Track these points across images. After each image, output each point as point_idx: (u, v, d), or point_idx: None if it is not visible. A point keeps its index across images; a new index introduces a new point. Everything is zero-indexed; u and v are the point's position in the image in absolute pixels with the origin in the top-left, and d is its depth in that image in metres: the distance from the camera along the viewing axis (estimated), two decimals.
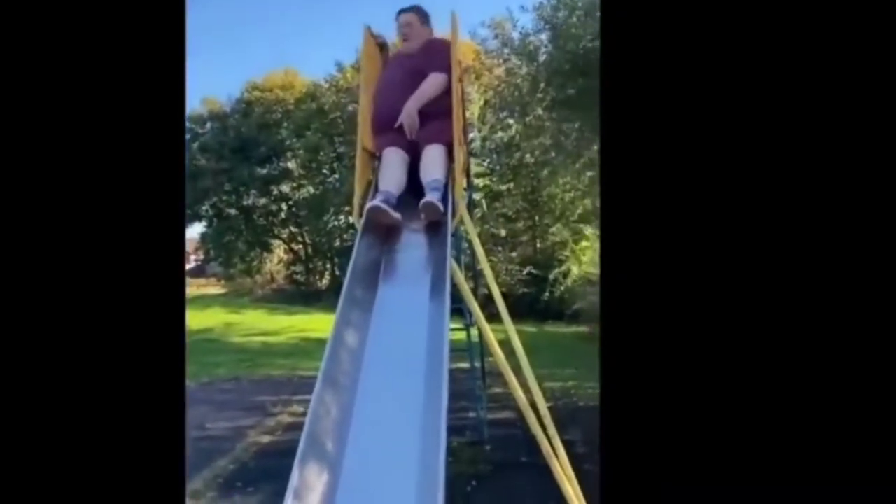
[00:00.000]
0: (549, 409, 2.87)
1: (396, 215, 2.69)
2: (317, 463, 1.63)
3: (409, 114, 2.95)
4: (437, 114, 2.99)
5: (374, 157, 3.13)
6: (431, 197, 2.68)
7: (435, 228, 2.72)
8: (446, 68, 3.03)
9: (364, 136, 3.10)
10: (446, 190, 2.86)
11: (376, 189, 2.89)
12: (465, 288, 2.95)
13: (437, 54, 3.09)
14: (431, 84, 3.00)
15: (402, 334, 2.17)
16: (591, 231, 13.83)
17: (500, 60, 10.20)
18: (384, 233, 2.72)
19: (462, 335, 4.49)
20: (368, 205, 2.67)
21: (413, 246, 2.71)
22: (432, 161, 2.90)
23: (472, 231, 3.09)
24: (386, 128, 3.06)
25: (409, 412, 1.82)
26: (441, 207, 2.67)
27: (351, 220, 2.77)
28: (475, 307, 3.01)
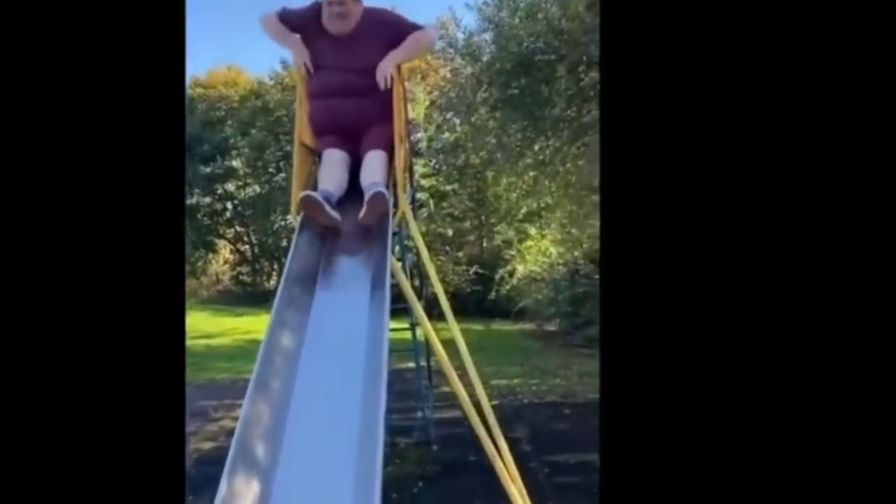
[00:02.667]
0: (495, 407, 2.85)
1: (334, 214, 2.61)
2: (247, 471, 1.57)
3: (382, 70, 2.83)
4: (379, 119, 2.91)
5: (313, 153, 3.05)
6: (378, 188, 2.60)
7: (376, 227, 2.66)
8: (400, 37, 2.91)
9: (302, 131, 3.01)
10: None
11: (315, 189, 2.82)
12: (407, 287, 2.91)
13: (384, 27, 2.91)
14: (416, 41, 2.92)
15: (340, 336, 2.11)
16: (536, 230, 13.95)
17: (446, 61, 10.17)
18: (323, 231, 2.65)
19: (409, 334, 4.45)
20: (302, 194, 2.57)
21: (353, 244, 2.65)
22: (371, 167, 2.84)
23: (415, 230, 3.05)
24: (328, 130, 2.96)
25: (346, 417, 1.77)
26: (389, 199, 2.62)
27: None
28: (417, 307, 2.98)
